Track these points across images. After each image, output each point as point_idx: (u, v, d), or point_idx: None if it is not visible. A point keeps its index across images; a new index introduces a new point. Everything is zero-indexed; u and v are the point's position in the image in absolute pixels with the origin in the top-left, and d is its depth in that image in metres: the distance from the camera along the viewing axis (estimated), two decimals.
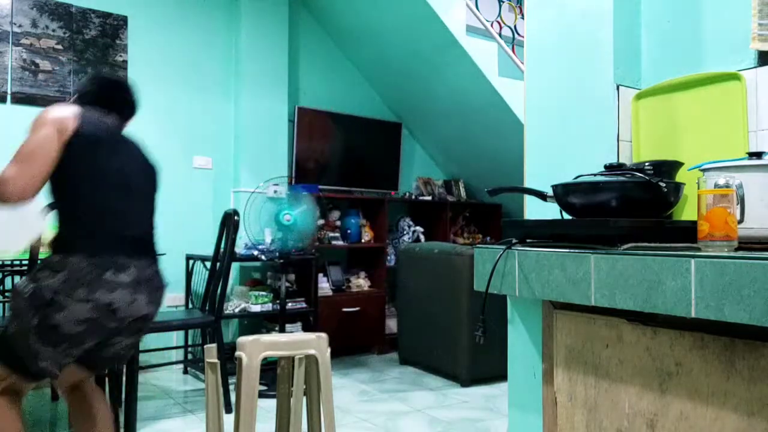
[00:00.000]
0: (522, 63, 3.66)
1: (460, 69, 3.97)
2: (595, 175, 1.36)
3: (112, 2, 3.71)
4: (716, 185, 1.07)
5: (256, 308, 3.69)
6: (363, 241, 4.43)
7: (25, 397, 1.79)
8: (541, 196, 1.50)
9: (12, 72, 3.36)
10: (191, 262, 3.78)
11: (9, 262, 2.66)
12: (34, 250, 2.33)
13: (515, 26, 5.19)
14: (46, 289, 1.60)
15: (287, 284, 3.79)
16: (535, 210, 1.73)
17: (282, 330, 3.40)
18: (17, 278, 3.18)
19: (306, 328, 3.87)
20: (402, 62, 4.35)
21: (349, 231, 4.37)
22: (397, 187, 4.77)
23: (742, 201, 1.12)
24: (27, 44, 3.41)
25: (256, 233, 3.82)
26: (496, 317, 2.06)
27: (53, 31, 3.49)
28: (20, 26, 3.39)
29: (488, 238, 5.18)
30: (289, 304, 3.72)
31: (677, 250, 1.07)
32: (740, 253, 0.98)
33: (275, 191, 4.02)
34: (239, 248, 3.75)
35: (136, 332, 1.84)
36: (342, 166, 4.55)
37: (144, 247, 1.81)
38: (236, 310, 3.65)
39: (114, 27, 3.69)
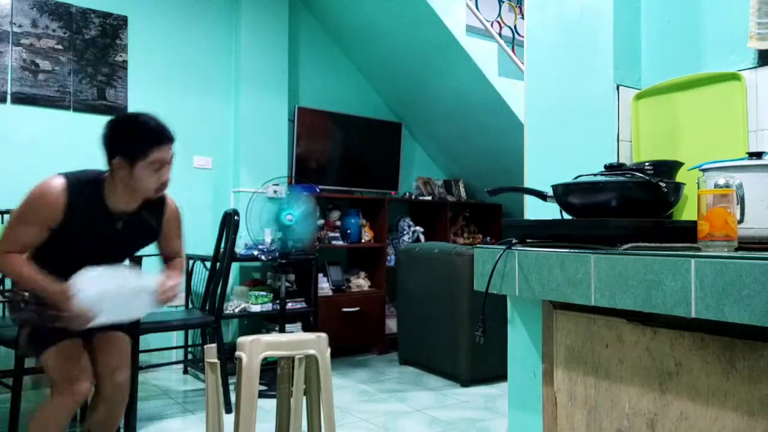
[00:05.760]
0: (522, 63, 3.66)
1: (460, 69, 3.97)
2: (595, 175, 1.36)
3: (112, 2, 3.70)
4: (716, 185, 1.07)
5: (256, 308, 3.69)
6: (363, 241, 4.43)
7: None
8: (541, 196, 1.50)
9: (12, 72, 3.36)
10: (191, 262, 3.78)
11: None
12: None
13: (515, 26, 5.19)
14: None
15: (287, 284, 3.79)
16: (535, 210, 1.73)
17: (282, 330, 3.40)
18: None
19: (306, 328, 3.87)
20: (402, 62, 4.35)
21: (349, 231, 4.36)
22: (397, 187, 4.77)
23: (742, 201, 1.12)
24: (27, 44, 3.41)
25: (256, 233, 3.82)
26: (496, 317, 2.07)
27: (53, 31, 3.49)
28: (20, 26, 3.39)
29: (488, 238, 5.18)
30: (289, 304, 3.72)
31: (677, 250, 1.07)
32: (740, 253, 0.98)
33: (275, 191, 4.02)
34: (239, 248, 3.75)
35: None
36: (342, 166, 4.55)
37: None
38: (236, 310, 3.65)
39: (114, 27, 3.69)
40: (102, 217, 1.92)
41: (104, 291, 1.81)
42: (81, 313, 1.78)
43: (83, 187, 1.88)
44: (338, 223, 4.42)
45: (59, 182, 1.84)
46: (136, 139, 1.87)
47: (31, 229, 1.84)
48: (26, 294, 1.93)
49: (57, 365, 1.85)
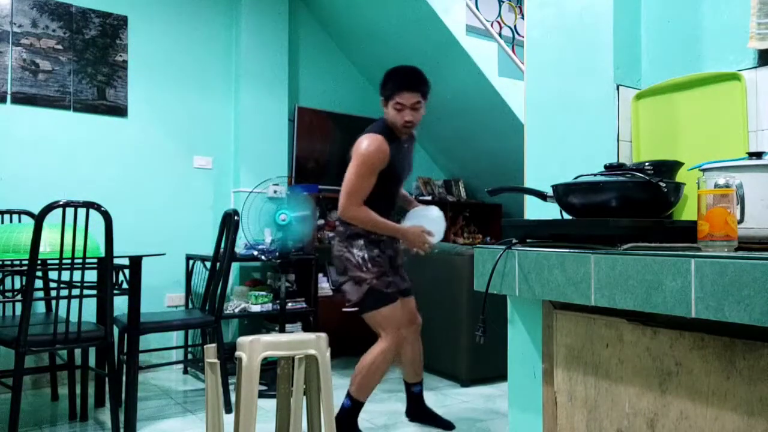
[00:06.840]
0: (522, 63, 3.66)
1: (460, 69, 3.97)
2: (595, 175, 1.36)
3: (112, 2, 3.70)
4: (716, 185, 1.07)
5: (256, 308, 3.69)
6: None
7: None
8: (541, 196, 1.50)
9: (12, 72, 3.36)
10: (191, 262, 3.78)
11: (9, 262, 2.66)
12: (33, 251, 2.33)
13: (515, 26, 5.19)
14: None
15: (287, 284, 3.79)
16: (535, 210, 1.73)
17: (282, 330, 3.40)
18: (17, 278, 3.18)
19: (306, 328, 3.87)
20: (402, 62, 4.33)
21: None
22: None
23: (742, 201, 1.12)
24: (27, 44, 3.41)
25: (255, 233, 3.82)
26: (496, 317, 2.07)
27: (53, 31, 3.49)
28: (20, 26, 3.39)
29: (488, 238, 5.18)
30: (289, 304, 3.72)
31: (677, 250, 1.07)
32: (740, 253, 0.98)
33: (275, 191, 4.02)
34: (239, 248, 3.75)
35: None
36: (342, 166, 4.46)
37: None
38: (236, 310, 3.65)
39: (114, 27, 3.69)
40: (398, 146, 2.48)
41: (432, 222, 2.57)
42: (430, 242, 2.49)
43: (386, 130, 2.44)
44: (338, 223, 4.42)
45: (379, 137, 2.38)
46: (386, 83, 2.46)
47: (368, 181, 2.39)
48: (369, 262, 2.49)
49: (392, 316, 2.46)
